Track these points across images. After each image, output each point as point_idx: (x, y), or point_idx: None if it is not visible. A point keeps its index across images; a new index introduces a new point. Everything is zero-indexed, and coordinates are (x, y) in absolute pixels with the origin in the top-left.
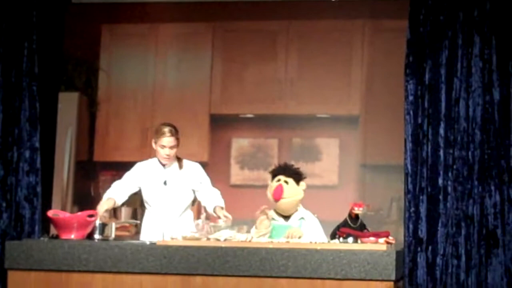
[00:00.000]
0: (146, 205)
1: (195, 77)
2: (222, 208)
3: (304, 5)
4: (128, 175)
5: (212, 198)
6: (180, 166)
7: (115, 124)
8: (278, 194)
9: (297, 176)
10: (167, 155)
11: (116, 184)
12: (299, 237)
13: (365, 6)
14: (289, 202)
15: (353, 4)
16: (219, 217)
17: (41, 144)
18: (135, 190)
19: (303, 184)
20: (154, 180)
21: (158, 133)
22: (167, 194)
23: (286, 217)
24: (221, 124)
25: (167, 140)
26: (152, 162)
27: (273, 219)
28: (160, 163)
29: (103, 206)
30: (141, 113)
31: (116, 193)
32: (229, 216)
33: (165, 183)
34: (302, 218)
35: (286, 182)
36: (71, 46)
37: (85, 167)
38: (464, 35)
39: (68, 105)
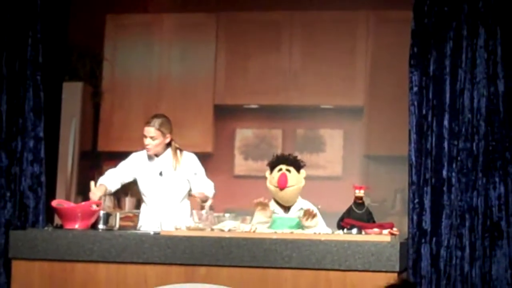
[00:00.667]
0: (142, 196)
1: (199, 67)
2: (207, 196)
3: None
4: (122, 165)
5: (203, 188)
6: (175, 156)
7: (119, 114)
8: (283, 183)
9: (297, 164)
10: (146, 144)
11: (110, 172)
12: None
13: None
14: (294, 190)
15: None
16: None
17: (45, 134)
18: (129, 180)
19: (303, 172)
20: (149, 171)
21: (145, 122)
22: (163, 185)
23: (286, 209)
24: (225, 115)
25: (147, 129)
26: (147, 153)
27: (273, 211)
28: (156, 154)
29: (97, 193)
30: (145, 103)
31: (109, 180)
32: (204, 192)
33: (160, 174)
34: (302, 208)
35: (288, 170)
36: (75, 36)
37: (89, 157)
38: (468, 26)
39: (72, 95)
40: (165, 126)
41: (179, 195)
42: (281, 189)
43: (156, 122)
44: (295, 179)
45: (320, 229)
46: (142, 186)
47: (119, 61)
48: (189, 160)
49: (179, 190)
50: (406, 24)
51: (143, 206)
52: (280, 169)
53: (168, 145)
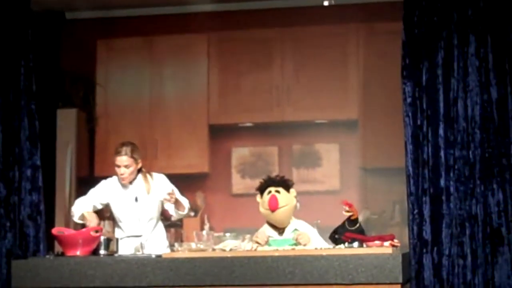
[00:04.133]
0: (118, 222)
1: (192, 88)
2: (185, 208)
3: (297, 12)
4: (94, 192)
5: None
6: (146, 180)
7: (114, 138)
8: (274, 205)
9: (286, 184)
10: (121, 174)
11: (81, 200)
12: (305, 244)
13: (358, 9)
14: (286, 210)
15: (345, 8)
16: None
17: (41, 162)
18: (100, 207)
19: (293, 191)
20: (124, 197)
21: (115, 152)
22: (139, 209)
23: (280, 231)
24: (221, 134)
25: (120, 159)
26: (117, 180)
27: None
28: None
29: (94, 220)
30: (139, 127)
31: (82, 207)
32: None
33: (136, 199)
34: (296, 229)
35: (277, 191)
36: (67, 62)
37: (86, 183)
38: (459, 34)
39: (66, 121)
40: (136, 152)
41: (155, 218)
42: (273, 211)
43: (128, 150)
44: (286, 199)
45: (320, 244)
46: (118, 212)
47: (112, 86)
48: (161, 181)
49: (155, 213)
50: (397, 36)
51: (117, 231)
52: (270, 192)
53: (139, 170)
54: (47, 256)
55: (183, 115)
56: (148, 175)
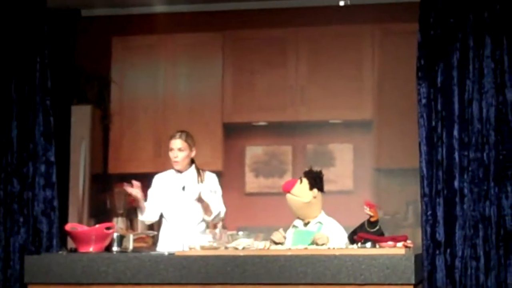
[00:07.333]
0: (164, 214)
1: (206, 86)
2: (212, 214)
3: (312, 11)
4: (151, 193)
5: (214, 206)
6: (198, 173)
7: (129, 135)
8: (286, 186)
9: (312, 181)
10: (175, 157)
11: (147, 205)
12: (323, 244)
13: (373, 10)
14: (293, 199)
15: (361, 8)
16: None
17: (55, 158)
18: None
19: (314, 191)
20: (172, 186)
21: (169, 138)
22: (186, 199)
23: (305, 223)
24: (234, 133)
25: (173, 142)
26: (169, 172)
27: (294, 225)
28: (179, 171)
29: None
30: (153, 124)
31: (150, 215)
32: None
33: (183, 188)
34: (319, 222)
35: (301, 180)
36: (82, 59)
37: (100, 179)
38: (475, 36)
39: (81, 118)
40: (191, 138)
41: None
42: (283, 190)
43: (183, 134)
44: (300, 191)
45: (337, 244)
46: (164, 202)
47: (127, 83)
48: (211, 178)
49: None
50: (412, 36)
51: (164, 225)
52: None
53: (192, 162)
54: (60, 252)
55: (197, 113)
56: (201, 171)
